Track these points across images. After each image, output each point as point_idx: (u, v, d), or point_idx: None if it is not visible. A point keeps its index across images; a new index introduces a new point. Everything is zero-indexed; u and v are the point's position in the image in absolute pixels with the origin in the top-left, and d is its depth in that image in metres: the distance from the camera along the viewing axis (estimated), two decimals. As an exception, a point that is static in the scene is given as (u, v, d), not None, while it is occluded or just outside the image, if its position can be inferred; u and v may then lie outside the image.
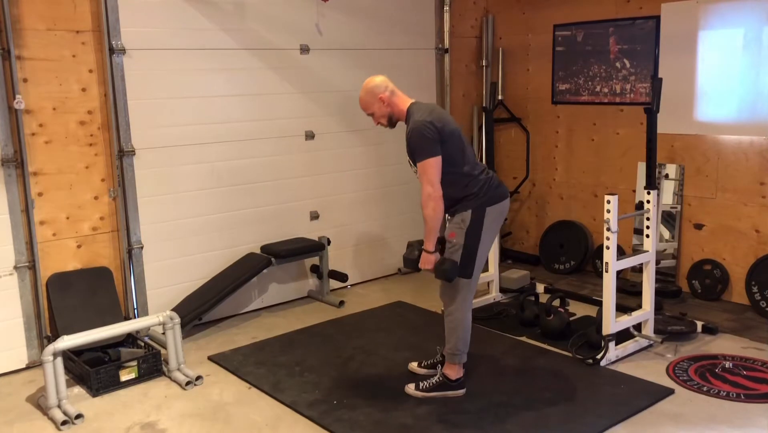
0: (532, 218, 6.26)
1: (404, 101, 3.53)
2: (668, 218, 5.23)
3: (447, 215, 3.56)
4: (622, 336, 4.07)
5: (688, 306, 4.86)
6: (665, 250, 5.23)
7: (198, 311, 4.45)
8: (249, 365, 4.09)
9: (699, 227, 5.10)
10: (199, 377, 3.89)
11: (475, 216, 3.43)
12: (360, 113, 5.46)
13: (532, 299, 4.82)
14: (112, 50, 4.23)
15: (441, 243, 3.51)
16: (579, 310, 4.77)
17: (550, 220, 6.08)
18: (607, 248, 3.88)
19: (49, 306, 4.18)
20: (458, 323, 3.52)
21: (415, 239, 3.58)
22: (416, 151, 3.37)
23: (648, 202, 4.13)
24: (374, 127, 5.53)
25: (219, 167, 4.82)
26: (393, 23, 5.61)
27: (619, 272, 4.05)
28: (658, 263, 4.77)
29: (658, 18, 5.10)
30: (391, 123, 3.60)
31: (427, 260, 3.46)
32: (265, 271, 4.82)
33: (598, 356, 3.95)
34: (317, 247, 5.10)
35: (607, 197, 3.84)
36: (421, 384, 3.65)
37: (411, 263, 3.54)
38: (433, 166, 3.33)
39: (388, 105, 3.51)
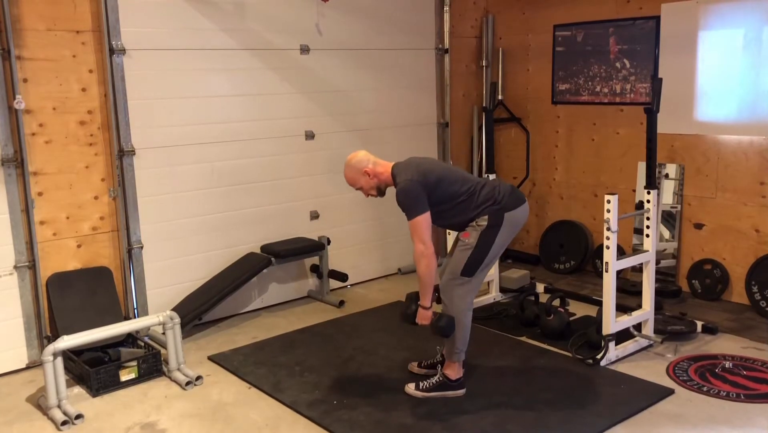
0: (532, 218, 6.26)
1: (386, 167, 3.59)
2: (668, 218, 5.23)
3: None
4: (622, 336, 4.07)
5: (688, 306, 4.86)
6: (665, 250, 5.23)
7: (198, 311, 4.45)
8: (249, 365, 4.09)
9: (699, 226, 5.10)
10: (199, 377, 3.89)
11: (492, 221, 3.45)
12: (360, 113, 5.53)
13: (532, 299, 4.82)
14: (112, 50, 4.23)
15: (437, 291, 3.56)
16: (579, 310, 4.77)
17: (550, 220, 6.08)
18: (607, 247, 3.88)
19: (49, 306, 4.18)
20: (458, 322, 3.52)
21: (413, 291, 3.62)
22: (405, 211, 3.43)
23: (648, 202, 4.13)
24: (374, 127, 5.61)
25: (219, 167, 4.82)
26: (393, 23, 5.61)
27: (619, 272, 4.05)
28: (658, 262, 4.77)
29: (658, 18, 5.10)
30: (381, 192, 3.67)
31: (424, 316, 3.51)
32: (265, 271, 4.82)
33: (598, 356, 3.95)
34: (317, 247, 5.10)
35: (607, 197, 3.84)
36: (421, 384, 3.65)
37: (408, 318, 3.58)
38: (422, 223, 3.38)
39: (374, 176, 3.58)
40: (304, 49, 5.14)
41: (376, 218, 5.73)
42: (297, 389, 3.75)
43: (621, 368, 3.91)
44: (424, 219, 3.39)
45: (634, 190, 5.37)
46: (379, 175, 3.57)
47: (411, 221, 3.40)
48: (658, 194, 4.93)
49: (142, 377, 3.93)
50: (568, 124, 5.86)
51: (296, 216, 5.26)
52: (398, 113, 5.75)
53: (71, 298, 4.21)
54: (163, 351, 4.06)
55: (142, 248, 4.49)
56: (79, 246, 4.32)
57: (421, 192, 3.40)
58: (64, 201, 4.23)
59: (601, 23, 5.45)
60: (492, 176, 5.00)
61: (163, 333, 3.99)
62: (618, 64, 5.40)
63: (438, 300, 3.58)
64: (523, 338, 4.41)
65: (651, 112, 4.10)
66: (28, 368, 4.16)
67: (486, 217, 3.45)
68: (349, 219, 5.57)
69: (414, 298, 3.58)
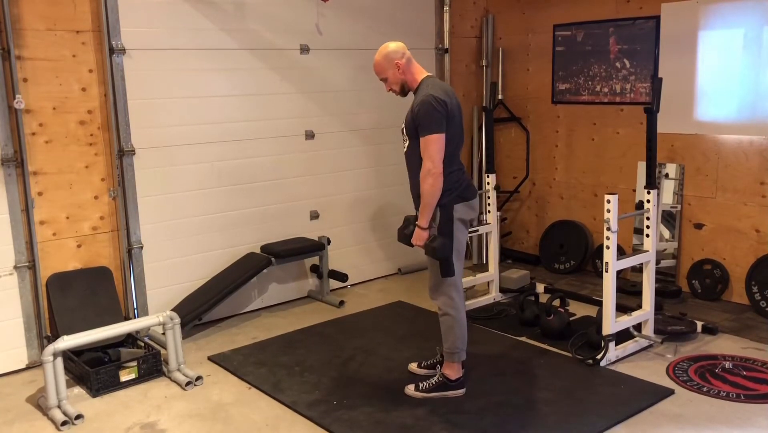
0: (532, 218, 6.26)
1: (420, 72, 3.51)
2: (668, 218, 5.23)
3: (415, 202, 3.53)
4: (622, 336, 4.07)
5: (688, 306, 4.86)
6: (665, 250, 5.23)
7: (198, 311, 4.45)
8: (249, 365, 4.09)
9: (699, 226, 5.10)
10: (199, 378, 3.89)
11: (444, 215, 3.41)
12: (360, 113, 5.52)
13: (532, 299, 4.82)
14: (112, 50, 4.23)
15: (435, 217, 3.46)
16: (579, 310, 4.77)
17: (550, 220, 6.08)
18: (607, 247, 3.88)
19: (49, 306, 4.18)
20: (453, 322, 3.53)
21: (413, 214, 3.53)
22: (422, 124, 3.32)
23: (648, 201, 4.13)
24: (374, 127, 5.60)
25: (219, 167, 4.82)
26: (393, 23, 5.61)
27: (619, 272, 4.04)
28: (658, 262, 4.77)
29: (658, 18, 5.10)
30: (403, 91, 3.56)
31: (419, 236, 3.41)
32: (265, 271, 4.82)
33: (598, 356, 3.95)
34: (317, 247, 5.10)
35: (607, 197, 3.84)
36: (420, 384, 3.65)
37: (404, 238, 3.50)
38: (436, 142, 3.29)
39: (403, 72, 3.48)
40: (304, 49, 5.14)
41: (376, 218, 5.73)
42: (297, 389, 3.75)
43: (621, 368, 3.91)
44: (439, 138, 3.29)
45: (634, 190, 5.36)
46: (408, 73, 3.48)
47: (425, 137, 3.30)
48: (658, 194, 4.93)
49: (142, 377, 3.93)
50: (568, 124, 5.86)
51: (296, 216, 5.26)
52: (398, 113, 5.71)
53: (71, 298, 4.21)
54: (163, 351, 4.06)
55: (142, 248, 4.49)
56: (79, 246, 4.32)
57: (443, 114, 3.31)
58: (64, 201, 4.23)
59: (601, 23, 5.45)
60: (492, 177, 5.01)
61: (163, 333, 3.99)
62: (618, 64, 5.40)
63: (438, 231, 3.45)
64: (523, 338, 4.41)
65: (651, 112, 4.10)
66: (28, 368, 4.16)
67: (438, 210, 3.39)
68: (349, 219, 5.57)
69: (412, 219, 3.48)
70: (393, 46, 3.50)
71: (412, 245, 3.49)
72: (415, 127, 3.37)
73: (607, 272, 3.91)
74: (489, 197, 5.02)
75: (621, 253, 4.89)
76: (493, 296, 5.11)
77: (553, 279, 5.64)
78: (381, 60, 3.50)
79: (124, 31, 4.27)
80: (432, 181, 3.30)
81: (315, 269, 5.27)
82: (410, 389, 3.65)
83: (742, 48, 4.72)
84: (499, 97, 6.16)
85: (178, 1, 4.51)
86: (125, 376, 3.88)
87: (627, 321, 4.07)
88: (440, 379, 3.63)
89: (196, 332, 4.61)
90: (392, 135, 5.68)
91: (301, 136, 5.22)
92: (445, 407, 3.51)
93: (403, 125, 3.50)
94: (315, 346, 4.36)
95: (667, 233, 5.24)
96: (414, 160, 3.43)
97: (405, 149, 3.52)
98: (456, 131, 3.43)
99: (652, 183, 4.16)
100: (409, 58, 3.49)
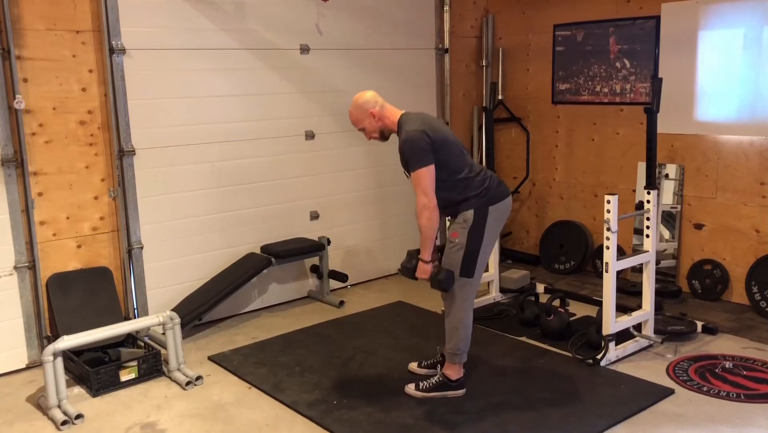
0: (532, 218, 6.26)
1: (394, 113, 3.55)
2: (668, 218, 5.23)
3: (449, 217, 3.57)
4: (622, 336, 4.07)
5: (688, 306, 4.86)
6: (665, 250, 5.23)
7: (198, 311, 4.45)
8: (249, 365, 4.09)
9: (699, 226, 5.10)
10: (199, 377, 3.89)
11: (478, 215, 3.43)
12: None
13: (532, 299, 4.82)
14: (112, 50, 4.23)
15: (441, 251, 3.53)
16: (579, 310, 4.77)
17: (550, 220, 6.08)
18: (607, 248, 3.88)
19: (49, 306, 4.18)
20: (459, 323, 3.52)
21: (414, 248, 3.59)
22: (409, 161, 3.37)
23: (648, 202, 4.13)
24: (374, 127, 5.59)
25: (219, 167, 4.82)
26: (393, 23, 5.61)
27: (619, 272, 4.04)
28: (658, 263, 4.77)
29: (658, 18, 5.10)
30: (383, 137, 3.62)
31: (424, 270, 3.48)
32: (265, 271, 4.82)
33: (598, 356, 3.95)
34: (317, 247, 5.10)
35: (607, 197, 3.84)
36: (421, 384, 3.65)
37: (408, 272, 3.56)
38: (426, 175, 3.34)
39: (379, 119, 3.53)
40: (304, 49, 5.14)
41: (376, 217, 5.73)
42: (297, 389, 3.75)
43: (621, 368, 3.91)
44: (429, 171, 3.33)
45: (634, 191, 5.36)
46: (384, 119, 3.52)
47: (414, 172, 3.33)
48: (658, 194, 4.93)
49: (142, 377, 3.93)
50: (568, 124, 5.86)
51: (296, 216, 5.26)
52: (398, 113, 5.74)
53: (71, 298, 4.21)
54: (163, 351, 4.06)
55: (142, 248, 4.49)
56: (79, 246, 4.32)
57: (427, 145, 3.33)
58: (64, 201, 4.23)
59: (601, 23, 5.45)
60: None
61: (163, 333, 3.99)
62: (618, 64, 5.40)
63: (440, 259, 3.51)
64: (523, 338, 4.41)
65: (651, 112, 4.10)
66: (28, 368, 4.16)
67: (472, 212, 3.42)
68: (349, 219, 5.57)
69: (414, 253, 3.52)
70: (366, 96, 3.57)
71: (416, 279, 3.53)
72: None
73: (607, 272, 3.91)
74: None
75: (621, 253, 4.89)
76: (493, 296, 5.11)
77: (553, 279, 5.64)
78: (356, 111, 3.58)
79: (124, 31, 4.27)
80: (428, 215, 3.35)
81: (315, 269, 5.27)
82: (410, 388, 3.65)
83: (742, 48, 4.72)
84: (499, 97, 6.16)
85: (178, 1, 4.51)
86: (125, 376, 3.88)
87: (627, 321, 4.07)
88: (441, 379, 3.63)
89: (196, 332, 4.61)
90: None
91: (301, 137, 5.22)
92: (445, 407, 3.51)
93: (401, 164, 3.53)
94: (315, 346, 4.36)
95: (667, 233, 5.24)
96: None
97: (411, 182, 3.55)
98: (451, 148, 3.45)
99: (652, 183, 4.16)
100: (382, 105, 3.55)
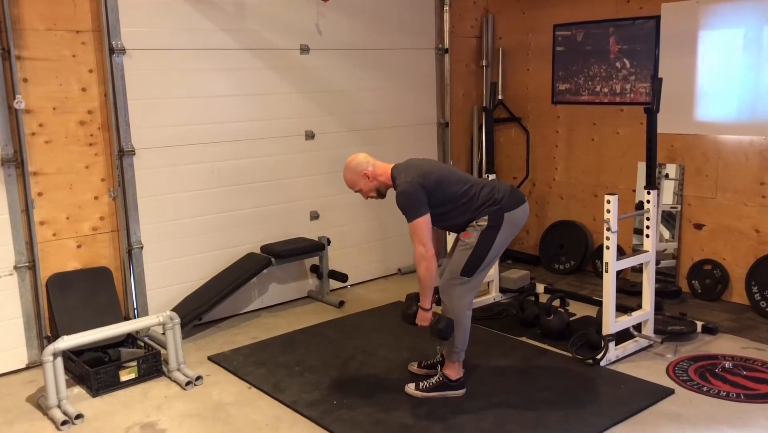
0: (532, 218, 6.26)
1: (386, 169, 3.59)
2: (668, 218, 5.23)
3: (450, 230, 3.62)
4: (622, 336, 4.07)
5: (688, 306, 4.86)
6: (665, 250, 5.23)
7: (198, 311, 4.45)
8: (249, 365, 4.09)
9: (699, 226, 5.10)
10: (199, 377, 3.89)
11: (493, 220, 3.45)
12: (360, 113, 5.53)
13: (532, 299, 4.82)
14: (112, 50, 4.23)
15: (437, 292, 3.56)
16: (579, 310, 4.77)
17: (550, 220, 6.08)
18: (607, 248, 3.88)
19: (49, 306, 4.18)
20: (457, 322, 3.52)
21: (413, 292, 3.61)
22: (405, 213, 3.42)
23: (648, 202, 4.13)
24: (374, 127, 5.61)
25: (219, 167, 4.82)
26: (393, 23, 5.61)
27: (619, 272, 4.04)
28: (658, 263, 4.77)
29: (658, 18, 5.10)
30: (380, 194, 3.67)
31: (424, 318, 3.51)
32: (265, 271, 4.82)
33: (598, 356, 3.95)
34: (317, 247, 5.10)
35: (607, 197, 3.84)
36: (421, 384, 3.65)
37: (408, 318, 3.58)
38: (422, 226, 3.38)
39: (373, 178, 3.58)
40: (304, 49, 5.14)
41: (376, 217, 5.73)
42: (297, 389, 3.75)
43: (621, 368, 3.91)
44: (424, 221, 3.39)
45: (634, 191, 5.36)
46: (378, 177, 3.58)
47: (411, 223, 3.40)
48: (658, 194, 4.93)
49: (142, 377, 3.93)
50: (568, 124, 5.86)
51: (296, 216, 5.26)
52: (398, 113, 5.75)
53: (71, 298, 4.21)
54: (163, 351, 4.06)
55: (142, 248, 4.49)
56: (79, 246, 4.32)
57: (422, 194, 3.39)
58: (64, 201, 4.23)
59: (601, 23, 5.45)
60: (492, 176, 5.00)
61: (163, 333, 3.99)
62: (618, 64, 5.40)
63: (438, 302, 3.58)
64: (523, 338, 4.41)
65: (651, 112, 4.10)
66: (28, 368, 4.16)
67: (486, 217, 3.45)
68: (349, 219, 5.57)
69: (414, 298, 3.58)
70: (358, 159, 3.61)
71: (416, 325, 3.56)
72: None
73: (607, 272, 3.91)
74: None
75: (621, 253, 4.89)
76: (493, 296, 5.11)
77: (553, 279, 5.64)
78: (350, 175, 3.62)
79: (124, 31, 4.27)
80: (427, 265, 3.38)
81: (315, 269, 5.27)
82: (410, 388, 3.65)
83: (742, 48, 4.72)
84: (499, 97, 6.16)
85: (178, 1, 4.51)
86: (125, 376, 3.88)
87: (627, 321, 4.07)
88: (441, 379, 3.63)
89: (196, 332, 4.61)
90: (392, 135, 5.69)
91: (301, 136, 5.22)
92: (445, 407, 3.51)
93: None
94: (315, 346, 4.36)
95: (667, 233, 5.24)
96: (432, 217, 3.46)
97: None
98: (448, 181, 3.48)
99: (652, 183, 4.16)
100: (374, 164, 3.60)
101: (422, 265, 3.39)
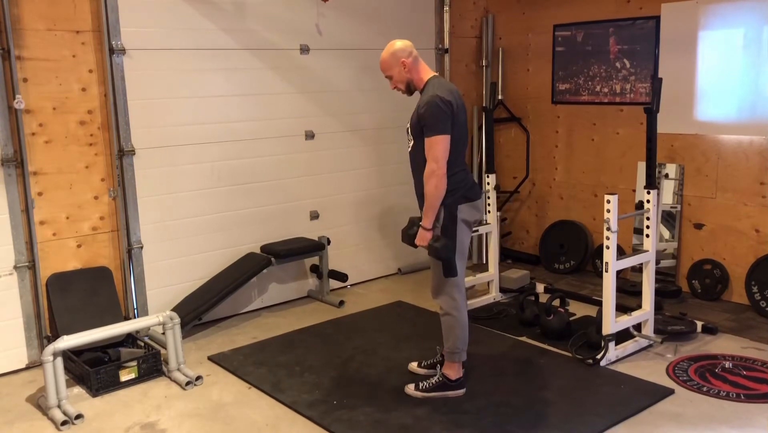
0: (532, 218, 6.26)
1: (426, 71, 3.50)
2: (668, 218, 5.23)
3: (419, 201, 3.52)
4: (622, 336, 4.07)
5: (688, 306, 4.86)
6: (665, 250, 5.23)
7: (198, 311, 4.45)
8: (249, 365, 4.09)
9: (699, 226, 5.10)
10: (199, 377, 3.89)
11: (447, 215, 3.41)
12: (360, 113, 5.52)
13: (532, 298, 4.82)
14: (112, 50, 4.23)
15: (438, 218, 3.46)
16: (579, 310, 4.77)
17: (550, 220, 6.08)
18: (607, 247, 3.88)
19: (49, 306, 4.18)
20: (454, 322, 3.53)
21: (417, 216, 3.53)
22: (427, 125, 3.31)
23: (648, 202, 4.13)
24: (374, 127, 5.60)
25: (219, 167, 4.82)
26: (393, 23, 5.61)
27: (619, 272, 4.05)
28: (658, 262, 4.77)
29: (658, 18, 5.10)
30: (409, 90, 3.55)
31: (423, 237, 3.42)
32: (265, 271, 4.82)
33: (598, 356, 3.95)
34: (317, 247, 5.10)
35: (607, 197, 3.84)
36: (421, 384, 3.65)
37: (408, 238, 3.51)
38: (441, 143, 3.29)
39: (409, 71, 3.47)
40: (304, 49, 5.14)
41: (376, 217, 5.73)
42: (297, 389, 3.75)
43: (621, 368, 3.91)
44: (444, 140, 3.29)
45: (634, 190, 5.36)
46: (414, 72, 3.47)
47: (431, 138, 3.29)
48: (658, 194, 4.93)
49: (142, 377, 3.93)
50: (568, 124, 5.86)
51: (296, 216, 5.26)
52: (398, 113, 5.74)
53: (71, 298, 4.21)
54: (163, 351, 4.06)
55: (142, 248, 4.49)
56: (79, 246, 4.32)
57: (449, 115, 3.31)
58: (64, 201, 4.23)
59: (601, 23, 5.45)
60: (492, 177, 5.01)
61: (163, 333, 3.99)
62: (618, 64, 5.40)
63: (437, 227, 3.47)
64: (523, 338, 4.41)
65: (651, 112, 4.10)
66: (28, 368, 4.16)
67: (441, 210, 3.39)
68: (349, 219, 5.57)
69: (416, 221, 3.49)
70: (400, 44, 3.49)
71: (415, 246, 3.50)
72: (421, 128, 3.37)
73: (607, 272, 3.92)
74: (489, 197, 5.02)
75: (621, 253, 4.89)
76: (493, 296, 5.11)
77: (553, 279, 5.64)
78: (387, 57, 3.50)
79: (124, 31, 4.27)
80: (436, 182, 3.30)
81: (315, 269, 5.27)
82: (410, 388, 3.65)
83: (742, 48, 4.72)
84: (499, 97, 6.16)
85: (178, 1, 4.51)
86: (125, 376, 3.88)
87: (627, 321, 4.07)
88: (440, 379, 3.63)
89: (196, 332, 4.61)
90: (392, 135, 5.69)
91: (301, 137, 5.22)
92: (445, 407, 3.51)
93: (408, 125, 3.50)
94: (315, 346, 4.36)
95: (667, 233, 5.24)
96: (419, 160, 3.43)
97: (409, 149, 3.52)
98: (460, 132, 3.43)
99: (652, 183, 4.16)
100: (416, 57, 3.49)
101: (431, 182, 3.30)
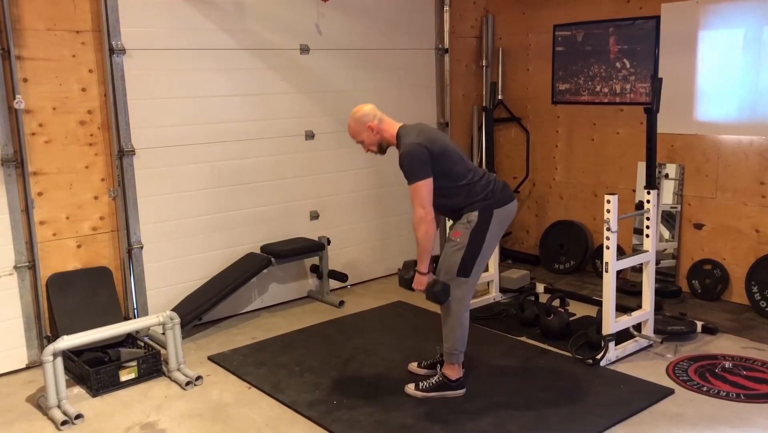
0: (532, 218, 6.26)
1: (392, 126, 3.56)
2: (668, 218, 5.23)
3: (452, 220, 3.61)
4: (622, 336, 4.07)
5: (688, 306, 4.86)
6: (665, 250, 5.23)
7: (198, 311, 4.45)
8: (249, 365, 4.09)
9: (699, 226, 5.10)
10: (199, 377, 3.89)
11: (482, 217, 3.44)
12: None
13: (532, 299, 4.82)
14: (112, 50, 4.23)
15: (434, 262, 3.55)
16: (579, 310, 4.77)
17: (550, 220, 6.08)
18: (607, 247, 3.88)
19: (49, 306, 4.18)
20: (456, 322, 3.53)
21: (411, 259, 3.60)
22: (406, 174, 3.40)
23: (648, 202, 4.13)
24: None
25: (219, 167, 4.82)
26: (393, 23, 5.61)
27: (619, 272, 4.05)
28: (658, 263, 4.77)
29: (658, 18, 5.10)
30: (382, 150, 3.65)
31: (420, 282, 3.51)
32: (265, 271, 4.82)
33: (598, 356, 3.95)
34: (317, 247, 5.10)
35: (607, 197, 3.84)
36: (421, 384, 3.65)
37: (405, 283, 3.59)
38: (423, 188, 3.36)
39: (378, 132, 3.55)
40: (304, 49, 5.14)
41: (376, 217, 5.73)
42: (297, 389, 3.75)
43: (621, 368, 3.91)
44: (426, 184, 3.36)
45: (634, 190, 5.36)
46: (383, 132, 3.54)
47: (413, 185, 3.36)
48: (658, 194, 4.93)
49: (142, 377, 3.93)
50: (568, 124, 5.86)
51: (296, 216, 5.26)
52: (398, 113, 5.64)
53: (71, 298, 4.21)
54: (163, 351, 4.06)
55: (142, 248, 4.49)
56: (79, 246, 4.32)
57: (426, 157, 3.36)
58: (64, 201, 4.23)
59: (601, 23, 5.45)
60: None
61: (163, 333, 3.99)
62: (618, 64, 5.40)
63: (433, 269, 3.54)
64: (523, 338, 4.41)
65: (651, 112, 4.10)
66: (28, 368, 4.16)
67: (476, 213, 3.44)
68: (349, 219, 5.57)
69: (412, 265, 3.55)
70: (364, 109, 3.58)
71: (413, 290, 3.56)
72: None
73: (607, 272, 3.92)
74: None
75: (621, 253, 4.89)
76: (493, 296, 5.11)
77: (553, 279, 5.64)
78: (354, 124, 3.59)
79: (124, 31, 4.27)
80: (425, 228, 3.38)
81: (315, 269, 5.27)
82: (410, 388, 3.65)
83: (742, 48, 4.72)
84: (499, 97, 6.16)
85: (178, 1, 4.51)
86: (125, 376, 3.88)
87: (627, 321, 4.07)
88: (440, 379, 3.63)
89: (196, 332, 4.61)
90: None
91: (301, 136, 5.22)
92: (445, 407, 3.51)
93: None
94: (315, 346, 4.36)
95: (667, 233, 5.24)
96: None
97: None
98: (452, 156, 3.47)
99: (652, 183, 4.16)
100: (380, 118, 3.57)
101: (421, 228, 3.37)
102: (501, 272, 5.22)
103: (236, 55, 4.80)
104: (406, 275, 3.57)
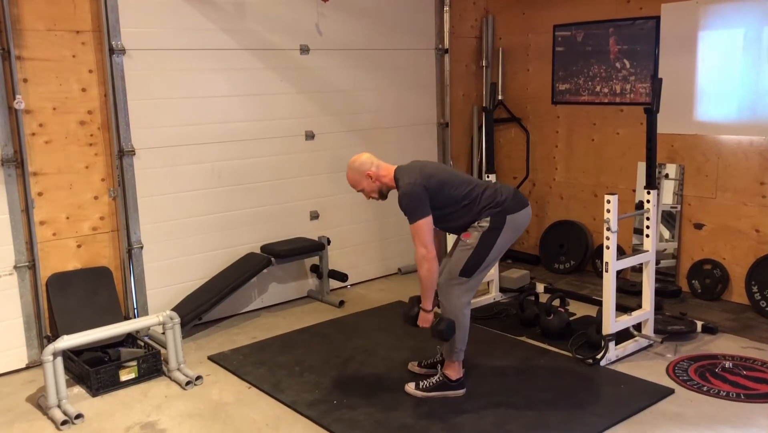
0: (532, 218, 6.22)
1: (389, 170, 3.60)
2: (668, 218, 5.23)
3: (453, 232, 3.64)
4: (622, 336, 4.07)
5: (688, 306, 4.86)
6: (665, 250, 5.23)
7: (198, 311, 4.45)
8: (249, 365, 4.09)
9: (699, 226, 5.10)
10: (199, 377, 3.89)
11: (494, 222, 3.46)
12: (360, 113, 5.53)
13: (532, 298, 4.82)
14: (112, 50, 4.23)
15: (437, 295, 3.56)
16: (579, 310, 4.77)
17: (550, 220, 6.08)
18: (607, 247, 3.88)
19: (49, 306, 4.18)
20: (456, 322, 3.52)
21: (416, 295, 3.61)
22: (407, 214, 3.43)
23: (648, 202, 4.13)
24: (374, 127, 5.61)
25: (219, 167, 4.82)
26: (393, 23, 5.61)
27: (619, 272, 4.05)
28: (658, 262, 4.77)
29: (658, 18, 5.10)
30: (382, 195, 3.68)
31: (425, 319, 3.52)
32: (265, 271, 4.82)
33: (598, 356, 3.95)
34: (317, 247, 5.10)
35: (607, 197, 3.84)
36: (421, 384, 3.65)
37: (410, 320, 3.59)
38: (424, 227, 3.39)
39: (377, 179, 3.60)
40: (304, 49, 5.14)
41: (376, 217, 5.73)
42: (297, 389, 3.75)
43: (621, 368, 3.91)
44: (426, 223, 3.40)
45: (634, 190, 5.37)
46: (381, 178, 3.59)
47: (413, 224, 3.41)
48: (658, 194, 4.94)
49: (142, 376, 3.93)
50: (568, 124, 5.86)
51: (296, 216, 5.26)
52: (398, 113, 5.75)
53: (71, 298, 4.21)
54: (163, 351, 4.06)
55: (142, 248, 4.50)
56: (79, 246, 4.32)
57: (424, 196, 3.41)
58: (64, 201, 4.24)
59: (601, 23, 5.45)
60: (492, 176, 5.00)
61: (163, 333, 3.99)
62: (618, 64, 5.40)
63: (439, 304, 3.58)
64: (523, 338, 4.41)
65: (651, 112, 4.10)
66: (28, 368, 4.16)
67: (488, 219, 3.46)
68: (349, 219, 5.57)
69: (416, 301, 3.58)
70: (361, 158, 3.64)
71: (418, 327, 3.57)
72: None
73: (607, 272, 3.92)
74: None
75: (621, 253, 4.89)
76: (493, 295, 5.11)
77: (553, 279, 5.64)
78: (353, 174, 3.65)
79: (124, 31, 4.27)
80: (428, 267, 3.39)
81: (315, 269, 5.27)
82: (410, 387, 3.66)
83: (742, 48, 4.72)
84: (499, 97, 6.16)
85: (178, 1, 4.51)
86: (125, 375, 3.88)
87: (627, 321, 4.07)
88: (441, 379, 3.63)
89: (196, 332, 4.61)
90: (392, 135, 5.69)
91: (301, 137, 5.22)
92: (445, 407, 3.51)
93: None
94: (315, 346, 4.36)
95: (667, 233, 5.24)
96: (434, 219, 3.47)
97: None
98: (451, 183, 3.49)
99: (652, 183, 4.16)
100: (377, 165, 3.62)
101: (424, 266, 3.40)
102: (501, 271, 5.22)
103: (236, 55, 4.80)
104: (410, 312, 3.58)
